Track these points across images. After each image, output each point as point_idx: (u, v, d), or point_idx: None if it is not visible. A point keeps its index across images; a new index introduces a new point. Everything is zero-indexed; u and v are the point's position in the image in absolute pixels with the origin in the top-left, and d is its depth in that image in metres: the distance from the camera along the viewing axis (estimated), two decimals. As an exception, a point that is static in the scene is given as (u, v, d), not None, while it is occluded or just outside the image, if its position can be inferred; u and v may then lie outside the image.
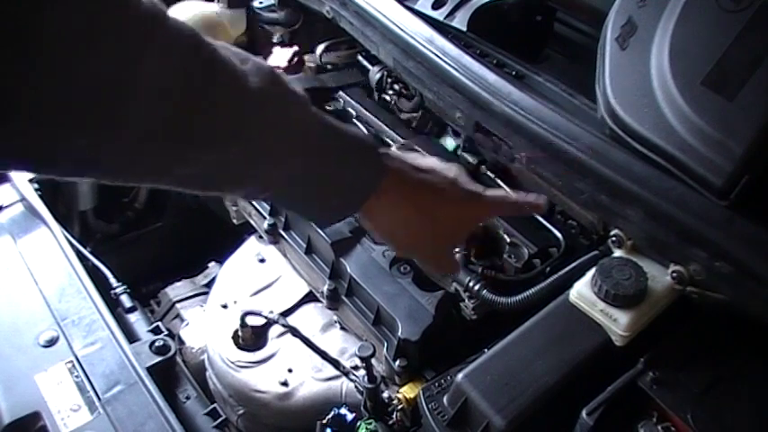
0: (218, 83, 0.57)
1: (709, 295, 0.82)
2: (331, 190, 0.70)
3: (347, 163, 0.69)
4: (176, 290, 1.47)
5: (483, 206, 0.81)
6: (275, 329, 1.19)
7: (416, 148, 1.12)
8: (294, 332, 1.11)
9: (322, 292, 1.07)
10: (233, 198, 0.66)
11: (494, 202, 0.81)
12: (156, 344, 1.06)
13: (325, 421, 0.98)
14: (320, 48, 1.45)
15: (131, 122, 0.52)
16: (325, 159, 0.67)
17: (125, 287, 1.22)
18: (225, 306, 1.27)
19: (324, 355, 1.08)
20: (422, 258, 0.84)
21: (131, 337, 1.09)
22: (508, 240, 1.04)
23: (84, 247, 1.25)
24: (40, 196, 1.24)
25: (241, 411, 1.15)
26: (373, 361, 0.93)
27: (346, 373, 1.04)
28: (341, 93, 1.36)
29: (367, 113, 1.30)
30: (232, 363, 1.16)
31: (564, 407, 0.76)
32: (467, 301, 0.98)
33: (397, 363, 0.93)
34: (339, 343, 1.17)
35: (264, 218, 1.17)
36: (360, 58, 1.40)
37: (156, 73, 0.52)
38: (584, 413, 0.74)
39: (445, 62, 1.08)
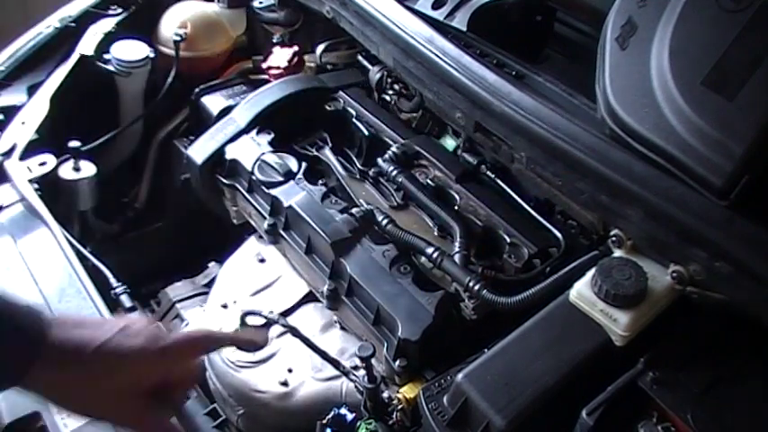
0: None
1: (709, 295, 0.82)
2: None
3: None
4: (176, 290, 1.47)
5: (157, 354, 0.73)
6: (275, 329, 1.18)
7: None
8: (294, 332, 1.10)
9: (322, 292, 1.07)
10: None
11: (175, 343, 0.75)
12: (156, 344, 1.06)
13: (325, 421, 0.98)
14: (320, 48, 1.45)
15: None
16: None
17: (125, 287, 1.21)
18: (225, 306, 1.27)
19: (324, 355, 1.08)
20: (119, 422, 0.75)
21: (131, 337, 1.09)
22: (508, 240, 1.04)
23: (84, 247, 1.25)
24: (40, 196, 1.24)
25: (241, 411, 1.15)
26: (373, 361, 0.93)
27: (346, 373, 1.04)
28: (341, 93, 1.36)
29: (367, 113, 1.31)
30: (232, 363, 1.16)
31: (564, 407, 0.76)
32: (467, 301, 0.98)
33: (397, 363, 0.93)
34: (339, 343, 1.17)
35: (264, 218, 1.17)
36: (360, 58, 1.40)
37: None
38: (584, 413, 0.74)
39: (445, 62, 1.08)
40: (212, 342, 0.82)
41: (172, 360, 0.75)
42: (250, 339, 0.86)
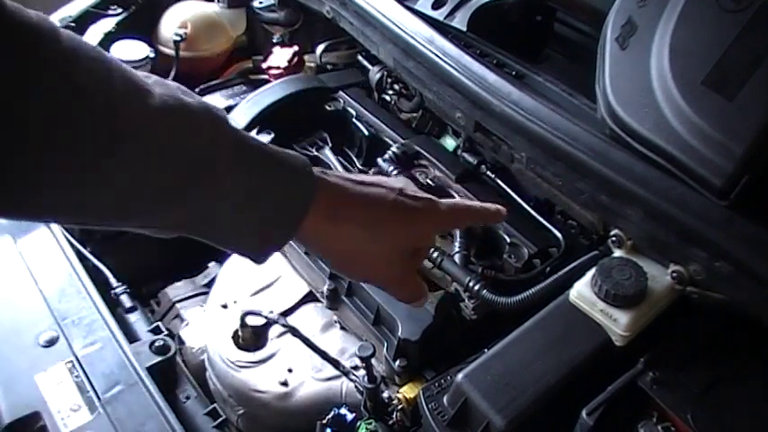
0: (116, 87, 0.52)
1: (710, 295, 0.82)
2: (257, 213, 0.61)
3: (273, 181, 0.61)
4: (176, 290, 1.46)
5: (437, 215, 0.72)
6: (275, 329, 1.18)
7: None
8: (294, 332, 1.10)
9: (322, 292, 1.07)
10: (150, 231, 0.62)
11: (449, 211, 0.74)
12: (156, 344, 1.06)
13: (325, 421, 0.98)
14: (320, 48, 1.45)
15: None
16: (247, 179, 0.60)
17: (125, 287, 1.22)
18: (225, 306, 1.26)
19: (324, 355, 1.08)
20: (383, 283, 0.73)
21: (131, 337, 1.09)
22: (508, 240, 1.04)
23: (84, 247, 1.25)
24: (40, 196, 1.24)
25: (241, 411, 1.15)
26: (373, 361, 0.93)
27: (346, 373, 1.04)
28: (341, 93, 1.36)
29: (367, 113, 1.30)
30: (232, 363, 1.16)
31: (564, 407, 0.76)
32: (467, 301, 0.98)
33: (397, 363, 0.93)
34: (339, 343, 1.17)
35: (264, 218, 1.17)
36: (360, 58, 1.40)
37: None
38: (584, 413, 0.74)
39: (445, 62, 1.08)
40: (473, 214, 0.79)
41: (443, 225, 0.79)
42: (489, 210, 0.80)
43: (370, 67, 1.37)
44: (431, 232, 0.75)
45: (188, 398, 1.07)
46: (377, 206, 0.68)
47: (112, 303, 1.15)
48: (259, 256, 0.65)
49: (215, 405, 1.08)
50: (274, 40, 1.55)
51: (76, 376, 0.94)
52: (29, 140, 0.49)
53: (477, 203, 0.81)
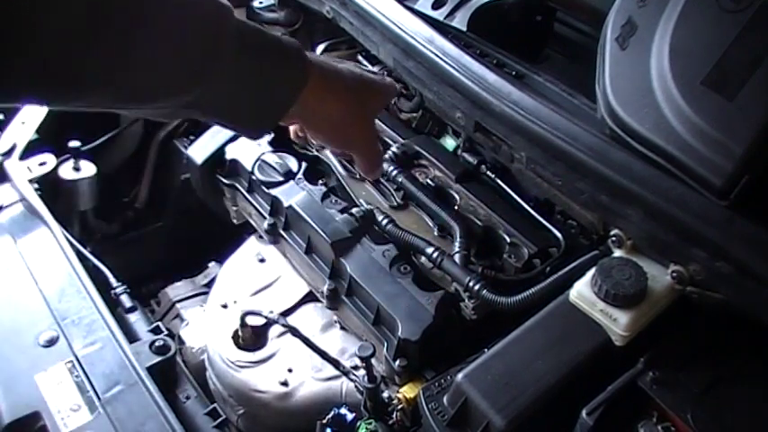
0: None
1: (709, 295, 0.82)
2: (260, 92, 0.71)
3: (272, 62, 0.70)
4: (176, 290, 1.47)
5: (389, 83, 0.90)
6: (275, 329, 1.19)
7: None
8: (294, 332, 1.11)
9: (322, 292, 1.07)
10: (164, 111, 0.69)
11: (391, 82, 0.92)
12: (156, 344, 1.06)
13: (325, 421, 0.98)
14: (320, 48, 1.45)
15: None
16: (248, 59, 0.68)
17: (125, 287, 1.22)
18: (225, 306, 1.27)
19: (324, 355, 1.08)
20: (361, 146, 0.87)
21: (131, 337, 1.09)
22: (508, 240, 1.04)
23: (85, 247, 1.25)
24: (40, 196, 1.24)
25: (241, 411, 1.15)
26: (373, 361, 0.93)
27: (346, 373, 1.04)
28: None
29: (367, 113, 1.30)
30: (232, 363, 1.16)
31: (564, 407, 0.76)
32: (467, 301, 0.98)
33: (397, 363, 0.93)
34: (339, 343, 1.17)
35: (264, 218, 1.17)
36: (360, 58, 1.40)
37: None
38: (584, 413, 0.74)
39: (445, 62, 1.08)
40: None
41: (391, 93, 0.92)
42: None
43: (370, 66, 1.37)
44: (385, 99, 0.93)
45: (188, 398, 1.07)
46: (360, 79, 0.82)
47: (112, 303, 1.15)
48: (251, 132, 0.77)
49: (215, 405, 1.08)
50: (274, 40, 1.55)
51: (76, 376, 0.95)
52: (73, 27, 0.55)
53: None
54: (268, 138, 1.26)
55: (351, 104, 0.80)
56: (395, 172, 1.15)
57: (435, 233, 1.10)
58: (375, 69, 0.87)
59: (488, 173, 1.14)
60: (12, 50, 0.53)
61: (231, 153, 1.26)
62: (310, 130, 0.83)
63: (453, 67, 1.06)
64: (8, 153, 1.31)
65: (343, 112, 0.80)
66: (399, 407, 0.91)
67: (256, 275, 1.30)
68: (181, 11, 0.63)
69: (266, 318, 1.13)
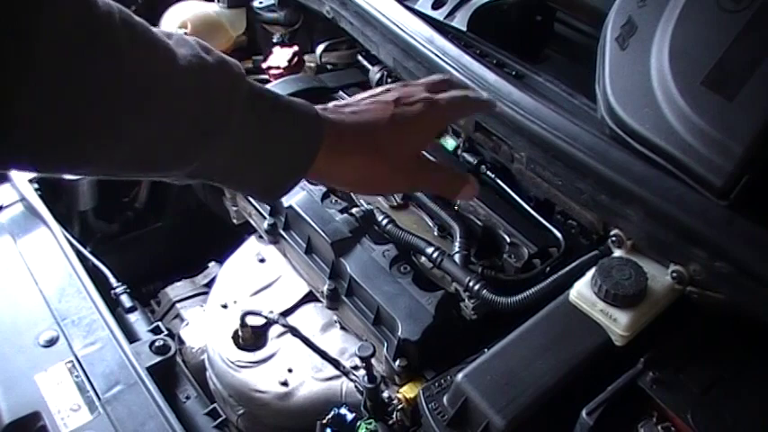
0: (139, 44, 0.57)
1: (710, 295, 0.82)
2: (270, 160, 0.67)
3: (283, 130, 0.67)
4: (176, 290, 1.47)
5: (437, 111, 0.76)
6: (275, 329, 1.19)
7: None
8: (294, 332, 1.11)
9: (322, 292, 1.07)
10: (171, 178, 0.67)
11: (447, 105, 0.77)
12: (156, 344, 1.06)
13: (325, 421, 0.98)
14: (320, 48, 1.45)
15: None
16: (259, 130, 0.65)
17: (125, 287, 1.22)
18: (225, 306, 1.27)
19: (324, 355, 1.08)
20: (421, 189, 0.85)
21: (131, 337, 1.09)
22: (508, 240, 1.04)
23: (84, 247, 1.25)
24: (40, 196, 1.24)
25: (241, 411, 1.15)
26: (373, 361, 0.93)
27: (346, 373, 1.05)
28: (341, 93, 1.36)
29: (367, 113, 1.30)
30: (232, 363, 1.16)
31: (564, 407, 0.76)
32: (467, 301, 0.98)
33: (397, 363, 0.93)
34: (339, 343, 1.17)
35: (264, 218, 1.17)
36: (360, 58, 1.40)
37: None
38: (584, 413, 0.74)
39: (445, 62, 1.08)
40: (469, 106, 0.84)
41: (443, 121, 0.83)
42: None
43: (370, 67, 1.37)
44: (434, 130, 0.80)
45: (188, 398, 1.07)
46: (375, 129, 0.72)
47: (112, 303, 1.15)
48: (271, 195, 0.71)
49: (215, 405, 1.08)
50: (274, 40, 1.55)
51: (76, 376, 0.95)
52: (67, 97, 0.53)
53: (471, 92, 0.84)
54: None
55: (377, 153, 0.72)
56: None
57: (435, 233, 1.10)
58: (420, 97, 0.75)
59: (488, 173, 1.14)
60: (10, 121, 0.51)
61: (231, 153, 1.25)
62: (343, 188, 0.81)
63: (453, 67, 1.06)
64: (8, 153, 1.31)
65: (368, 164, 0.72)
66: (399, 407, 0.91)
67: (256, 275, 1.30)
68: (190, 78, 0.60)
69: (266, 318, 1.13)
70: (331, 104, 0.74)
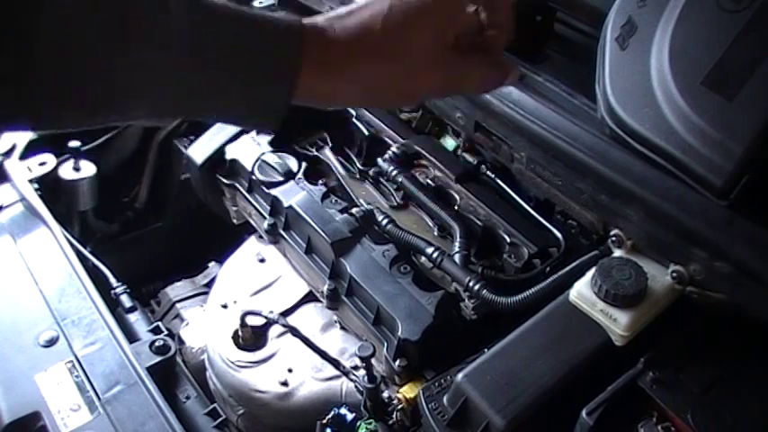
0: None
1: (710, 295, 0.82)
2: (248, 81, 0.59)
3: (255, 47, 0.58)
4: (176, 290, 1.47)
5: None
6: (275, 329, 1.19)
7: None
8: (294, 332, 1.11)
9: (322, 292, 1.07)
10: (140, 119, 0.62)
11: None
12: (156, 344, 1.06)
13: (325, 421, 0.98)
14: (320, 48, 1.44)
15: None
16: (229, 50, 0.57)
17: (125, 287, 1.22)
18: (225, 306, 1.27)
19: (324, 355, 1.08)
20: (446, 90, 0.70)
21: (131, 337, 1.09)
22: (508, 240, 1.04)
23: (84, 247, 1.25)
24: (40, 196, 1.24)
25: (241, 411, 1.15)
26: (373, 361, 0.93)
27: (346, 373, 1.05)
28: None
29: (367, 113, 1.30)
30: (232, 363, 1.16)
31: (564, 407, 0.76)
32: (467, 301, 0.98)
33: (397, 363, 0.93)
34: (339, 343, 1.17)
35: (264, 218, 1.17)
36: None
37: None
38: (584, 413, 0.74)
39: (445, 62, 1.08)
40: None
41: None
42: None
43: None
44: (456, 5, 0.64)
45: (188, 398, 1.07)
46: (372, 25, 0.61)
47: (112, 303, 1.15)
48: (266, 125, 0.64)
49: (215, 405, 1.08)
50: (274, 40, 1.55)
51: (76, 376, 0.95)
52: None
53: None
54: (268, 137, 1.26)
55: (382, 62, 0.61)
56: (395, 172, 1.15)
57: (435, 233, 1.10)
58: None
59: (488, 173, 1.14)
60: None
61: (231, 153, 1.26)
62: (353, 107, 0.69)
63: (453, 67, 1.06)
64: (8, 153, 1.31)
65: (375, 77, 0.61)
66: (399, 407, 0.91)
67: (256, 275, 1.30)
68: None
69: (266, 318, 1.13)
70: (319, 17, 0.63)
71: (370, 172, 1.21)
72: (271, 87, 0.60)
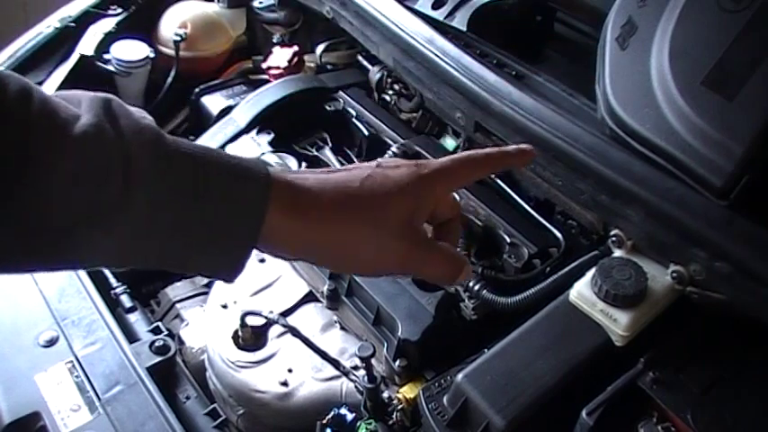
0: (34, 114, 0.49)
1: (710, 295, 0.82)
2: (205, 230, 0.56)
3: (215, 192, 0.55)
4: (176, 290, 1.46)
5: (435, 172, 0.61)
6: (275, 329, 1.18)
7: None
8: (294, 332, 1.10)
9: (322, 292, 1.07)
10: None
11: (451, 165, 0.63)
12: (156, 344, 1.06)
13: (325, 421, 0.98)
14: (320, 48, 1.45)
15: None
16: (184, 198, 0.54)
17: (125, 287, 1.22)
18: (225, 306, 1.26)
19: (324, 355, 1.08)
20: (398, 270, 0.64)
21: (131, 337, 1.09)
22: (508, 240, 1.04)
23: (84, 248, 1.25)
24: (40, 196, 1.24)
25: (241, 411, 1.15)
26: (373, 361, 0.93)
27: (346, 373, 1.04)
28: (341, 93, 1.36)
29: (367, 113, 1.30)
30: (232, 363, 1.16)
31: (564, 407, 0.76)
32: (467, 301, 0.98)
33: (397, 363, 0.93)
34: (339, 343, 1.16)
35: (264, 218, 1.17)
36: (360, 58, 1.40)
37: None
38: (584, 413, 0.74)
39: (445, 62, 1.08)
40: (480, 164, 0.66)
41: (448, 182, 0.63)
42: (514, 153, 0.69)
43: (370, 67, 1.37)
44: (430, 194, 0.62)
45: (188, 398, 1.07)
46: (348, 185, 0.58)
47: (112, 303, 1.15)
48: (228, 274, 0.60)
49: (215, 405, 1.08)
50: (274, 40, 1.55)
51: (76, 376, 0.94)
52: None
53: (488, 150, 0.67)
54: (268, 138, 1.26)
55: (349, 216, 0.58)
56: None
57: (435, 233, 1.10)
58: (407, 162, 0.63)
59: (488, 173, 1.14)
60: None
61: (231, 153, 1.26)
62: (313, 261, 0.64)
63: (453, 68, 1.06)
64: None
65: (340, 230, 0.58)
66: (399, 407, 0.91)
67: (256, 275, 1.30)
68: (85, 149, 0.51)
69: (266, 318, 1.13)
70: (291, 173, 0.61)
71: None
72: (233, 238, 0.58)
